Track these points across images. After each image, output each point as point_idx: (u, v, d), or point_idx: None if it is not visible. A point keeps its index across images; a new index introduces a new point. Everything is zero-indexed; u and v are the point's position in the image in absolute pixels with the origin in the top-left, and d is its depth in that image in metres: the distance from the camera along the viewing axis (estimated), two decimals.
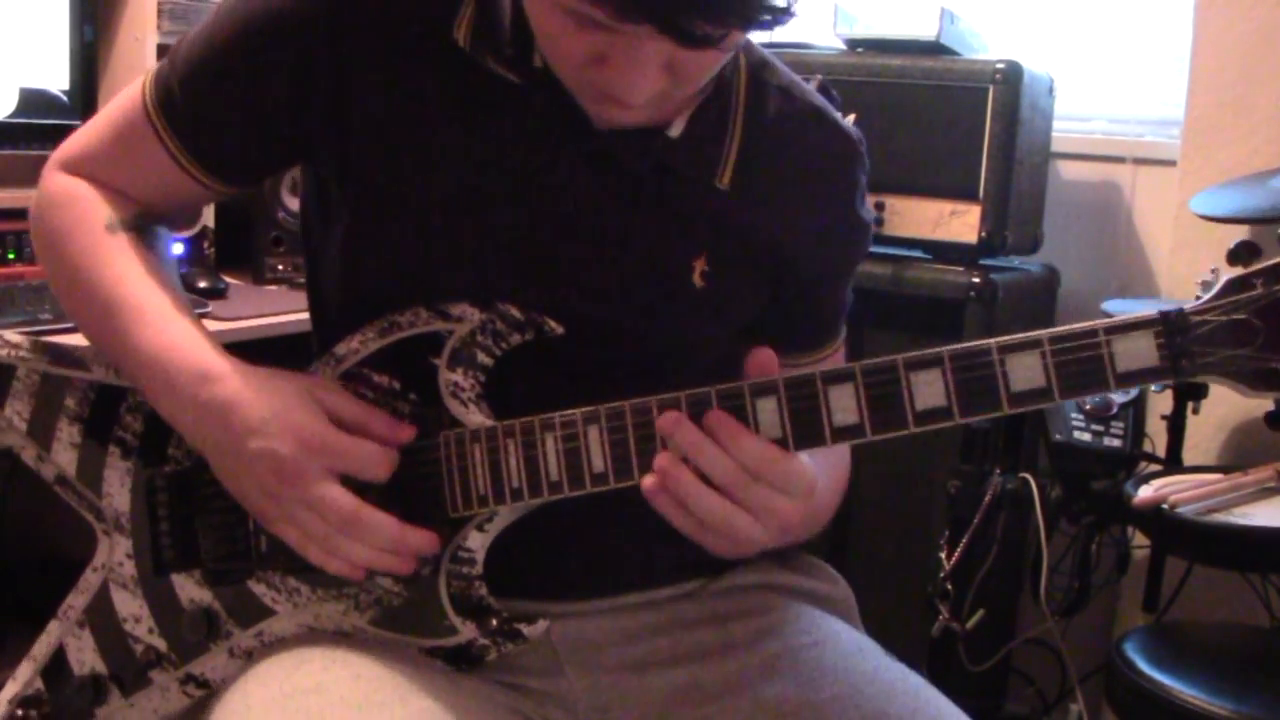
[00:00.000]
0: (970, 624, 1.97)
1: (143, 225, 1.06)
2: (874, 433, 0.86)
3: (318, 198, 1.08)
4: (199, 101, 1.03)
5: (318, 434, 0.92)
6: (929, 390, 0.85)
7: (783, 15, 0.83)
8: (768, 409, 0.87)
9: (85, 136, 1.09)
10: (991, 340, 0.84)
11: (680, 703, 1.03)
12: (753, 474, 0.86)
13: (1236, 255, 0.83)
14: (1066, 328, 0.83)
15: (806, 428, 0.87)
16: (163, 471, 1.04)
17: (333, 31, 0.98)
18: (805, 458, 0.89)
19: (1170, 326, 0.81)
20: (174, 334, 0.98)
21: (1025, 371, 0.83)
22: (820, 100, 1.09)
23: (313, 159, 1.05)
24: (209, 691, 1.01)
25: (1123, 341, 0.82)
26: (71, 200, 1.06)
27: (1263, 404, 2.01)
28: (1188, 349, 0.81)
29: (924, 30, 2.16)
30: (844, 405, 0.86)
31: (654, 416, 0.89)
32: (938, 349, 0.85)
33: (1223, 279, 0.82)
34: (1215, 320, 0.81)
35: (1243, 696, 1.56)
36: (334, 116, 1.00)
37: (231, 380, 0.95)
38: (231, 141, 1.04)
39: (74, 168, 1.08)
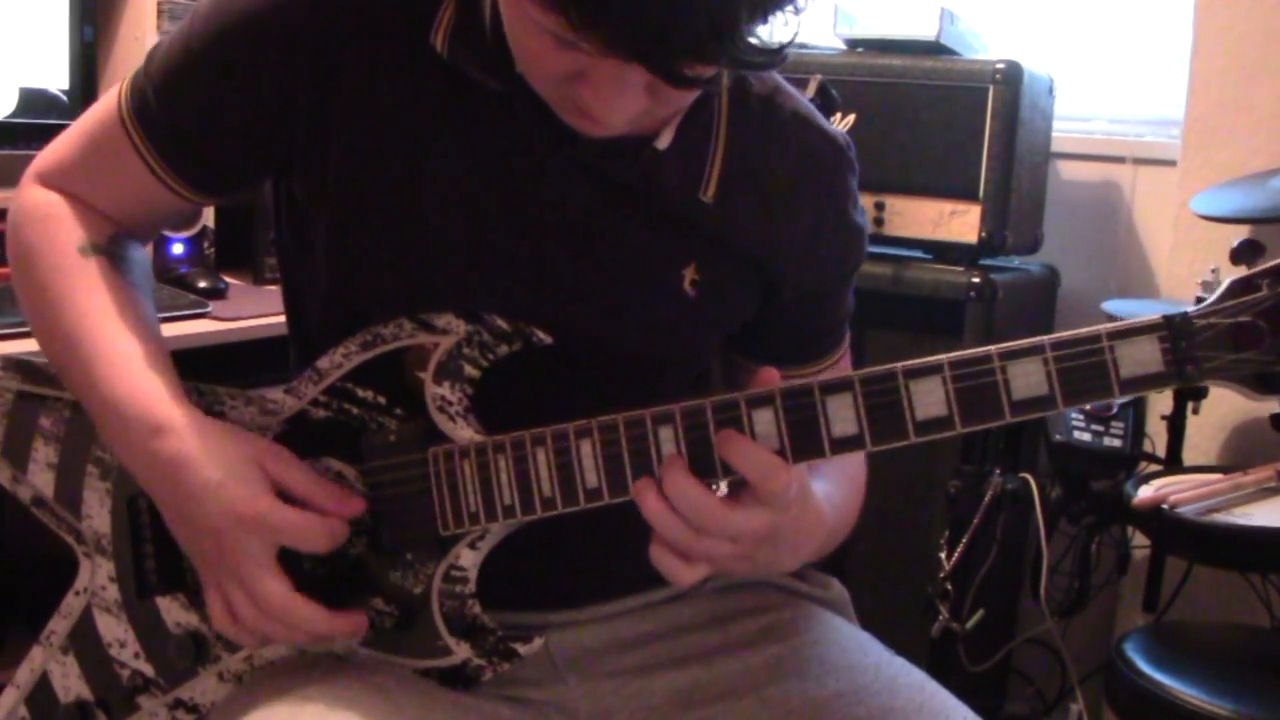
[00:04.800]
0: (970, 624, 1.97)
1: (117, 250, 1.03)
2: (874, 444, 0.85)
3: (289, 216, 1.06)
4: (175, 109, 1.00)
5: (255, 509, 0.91)
6: (929, 400, 0.83)
7: (774, 58, 0.81)
8: (765, 420, 0.86)
9: (61, 147, 1.06)
10: (992, 347, 0.82)
11: (683, 705, 1.02)
12: (695, 527, 0.85)
13: (1240, 254, 0.82)
14: (1068, 334, 0.81)
15: (805, 439, 0.85)
16: (143, 492, 1.01)
17: (315, 38, 0.96)
18: (753, 510, 0.87)
19: (1174, 331, 0.79)
20: (133, 380, 0.96)
21: (1027, 379, 0.81)
22: (804, 106, 1.06)
23: (289, 171, 1.02)
24: (199, 717, 1.00)
25: (1126, 347, 0.80)
26: (45, 217, 1.03)
27: (1263, 404, 2.01)
28: (1193, 354, 0.79)
29: (924, 30, 2.16)
30: (843, 416, 0.84)
31: (648, 429, 0.87)
32: (938, 357, 0.83)
33: (1226, 280, 0.80)
34: (1220, 323, 0.79)
35: (1243, 696, 1.56)
36: (314, 125, 0.97)
37: (182, 437, 0.93)
38: (208, 151, 1.01)
39: (50, 180, 1.05)
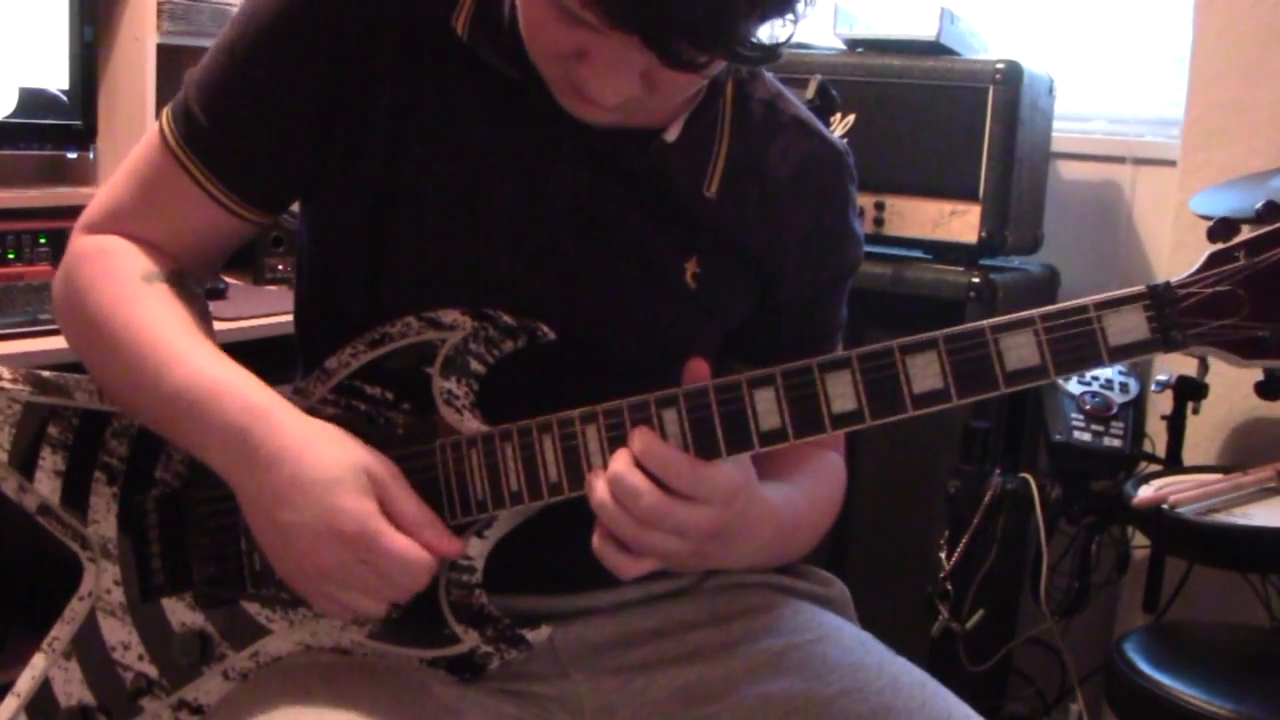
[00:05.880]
0: (970, 624, 1.97)
1: (180, 282, 1.02)
2: (873, 418, 0.87)
3: (322, 216, 1.06)
4: (227, 122, 1.00)
5: (362, 528, 0.87)
6: (926, 373, 0.86)
7: (769, 55, 0.84)
8: (766, 399, 0.87)
9: (108, 195, 1.05)
10: (985, 322, 0.85)
11: (686, 702, 1.03)
12: (639, 520, 0.86)
13: (1215, 232, 0.85)
14: (1057, 306, 0.84)
15: (806, 416, 0.87)
16: (151, 495, 1.02)
17: (358, 23, 0.97)
18: (725, 465, 0.88)
19: (1158, 299, 0.83)
20: (223, 372, 0.93)
21: (1019, 350, 0.84)
22: (805, 113, 1.09)
23: (329, 166, 1.02)
24: (203, 718, 1.00)
25: (1113, 316, 0.83)
26: (101, 253, 1.01)
27: (1263, 404, 2.01)
28: (1177, 320, 0.83)
29: (924, 30, 2.16)
30: (842, 392, 0.87)
31: (652, 413, 0.89)
32: (933, 333, 0.86)
33: (1205, 253, 0.84)
34: (1201, 292, 0.83)
35: (1243, 696, 1.56)
36: (358, 110, 0.99)
37: (286, 425, 0.90)
38: (266, 159, 1.01)
39: (102, 228, 1.03)
